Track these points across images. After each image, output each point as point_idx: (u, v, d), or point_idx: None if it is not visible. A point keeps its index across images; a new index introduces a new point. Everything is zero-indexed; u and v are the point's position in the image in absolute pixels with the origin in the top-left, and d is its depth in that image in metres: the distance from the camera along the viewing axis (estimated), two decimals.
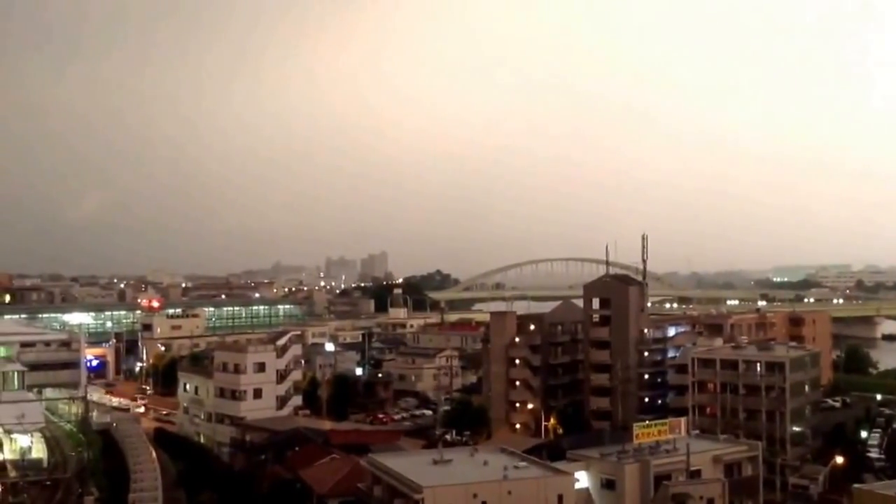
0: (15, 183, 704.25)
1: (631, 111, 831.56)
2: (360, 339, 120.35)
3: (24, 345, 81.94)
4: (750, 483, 48.87)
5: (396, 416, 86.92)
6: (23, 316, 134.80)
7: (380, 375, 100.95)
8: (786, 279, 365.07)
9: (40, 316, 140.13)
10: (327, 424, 69.36)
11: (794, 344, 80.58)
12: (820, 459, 62.27)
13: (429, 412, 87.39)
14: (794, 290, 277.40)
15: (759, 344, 73.90)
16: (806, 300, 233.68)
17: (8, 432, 54.59)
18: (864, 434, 68.52)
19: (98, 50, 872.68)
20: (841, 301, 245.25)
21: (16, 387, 67.49)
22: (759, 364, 66.12)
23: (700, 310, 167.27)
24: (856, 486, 43.88)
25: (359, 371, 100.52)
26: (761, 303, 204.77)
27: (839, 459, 58.97)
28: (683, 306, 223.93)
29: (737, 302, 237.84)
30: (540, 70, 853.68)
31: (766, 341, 77.89)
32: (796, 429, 63.90)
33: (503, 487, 39.26)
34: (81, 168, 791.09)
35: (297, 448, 56.63)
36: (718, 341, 76.26)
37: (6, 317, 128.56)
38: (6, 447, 53.13)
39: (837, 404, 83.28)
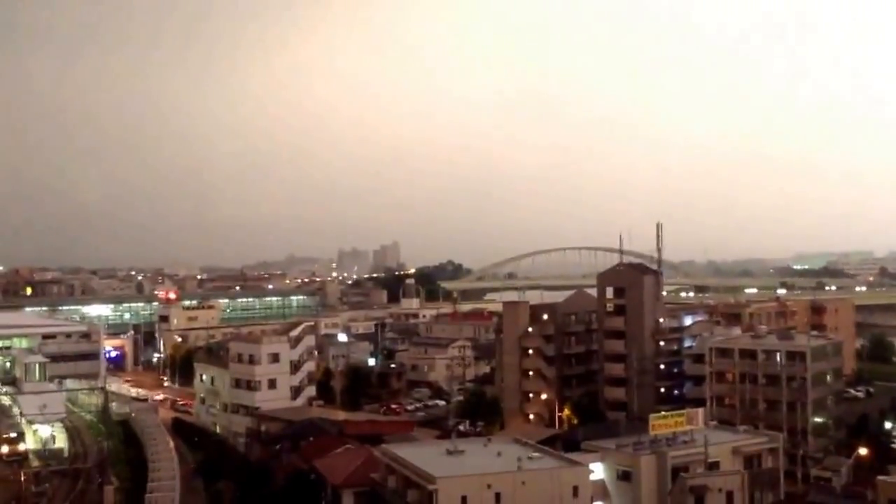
0: (36, 178, 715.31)
1: (643, 100, 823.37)
2: (373, 329, 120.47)
3: (46, 337, 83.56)
4: (770, 475, 48.12)
5: (410, 407, 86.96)
6: (44, 308, 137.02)
7: (393, 366, 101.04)
8: (806, 267, 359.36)
9: (61, 308, 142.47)
10: (341, 415, 69.55)
11: (815, 333, 79.10)
12: (843, 451, 61.16)
13: (442, 402, 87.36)
14: (815, 278, 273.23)
15: (780, 333, 72.67)
16: (827, 288, 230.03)
17: (30, 422, 55.57)
18: (888, 425, 67.18)
19: (109, 44, 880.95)
20: (864, 288, 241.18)
21: (38, 378, 68.86)
22: (779, 353, 64.99)
23: (717, 298, 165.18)
24: (880, 477, 43.07)
25: (372, 361, 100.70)
26: (781, 291, 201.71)
27: (863, 451, 57.93)
28: (700, 295, 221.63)
29: (756, 290, 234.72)
30: (548, 56, 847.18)
31: (786, 330, 76.61)
32: (818, 419, 62.83)
33: (517, 478, 39.00)
34: (99, 162, 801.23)
35: (311, 438, 56.81)
36: (737, 330, 75.15)
37: (28, 309, 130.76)
38: (29, 437, 54.04)
39: (861, 394, 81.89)
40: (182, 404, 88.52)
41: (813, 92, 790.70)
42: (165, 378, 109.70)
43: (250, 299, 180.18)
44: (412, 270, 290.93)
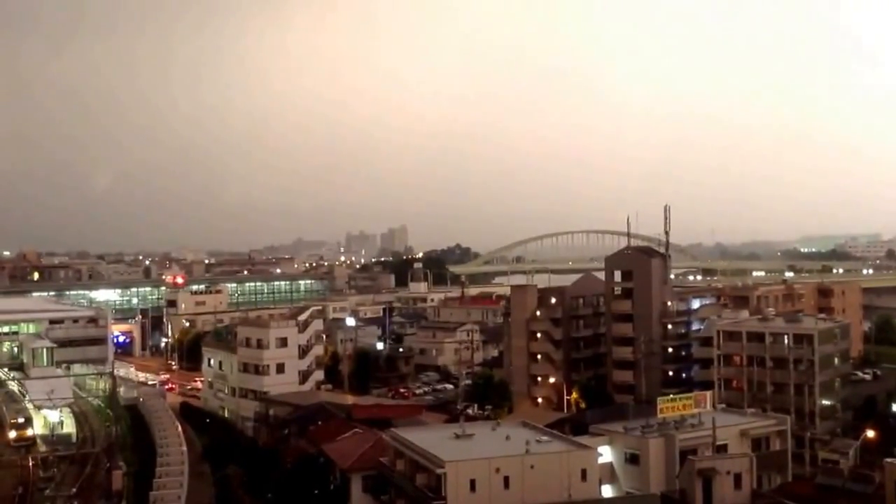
0: (43, 162, 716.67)
1: (648, 87, 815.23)
2: (381, 313, 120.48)
3: (53, 322, 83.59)
4: (778, 457, 48.01)
5: (418, 391, 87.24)
6: (51, 293, 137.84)
7: (401, 350, 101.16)
8: (814, 249, 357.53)
9: (68, 293, 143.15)
10: (349, 399, 69.76)
11: (822, 315, 78.89)
12: (850, 433, 61.08)
13: (450, 386, 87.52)
14: (823, 261, 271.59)
15: (787, 316, 72.35)
16: (835, 271, 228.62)
17: (38, 408, 55.77)
18: (895, 407, 66.91)
19: (125, 28, 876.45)
20: (871, 271, 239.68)
21: (45, 363, 69.00)
22: (786, 336, 64.76)
23: (725, 281, 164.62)
24: (888, 460, 42.76)
25: (380, 346, 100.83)
26: (788, 274, 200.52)
27: (870, 433, 57.71)
28: (708, 278, 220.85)
29: (763, 273, 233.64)
30: (554, 38, 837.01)
31: (793, 313, 76.23)
32: (826, 402, 62.66)
33: (525, 462, 38.94)
34: (107, 146, 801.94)
35: (320, 422, 56.96)
36: (744, 313, 74.73)
37: (35, 294, 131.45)
38: (37, 422, 54.25)
39: (868, 377, 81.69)
40: (189, 389, 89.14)
41: (818, 71, 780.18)
42: (173, 362, 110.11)
43: (258, 283, 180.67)
44: (420, 254, 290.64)
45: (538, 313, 78.41)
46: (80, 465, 45.82)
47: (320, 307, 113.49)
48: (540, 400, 76.33)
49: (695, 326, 74.74)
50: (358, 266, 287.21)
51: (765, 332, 66.11)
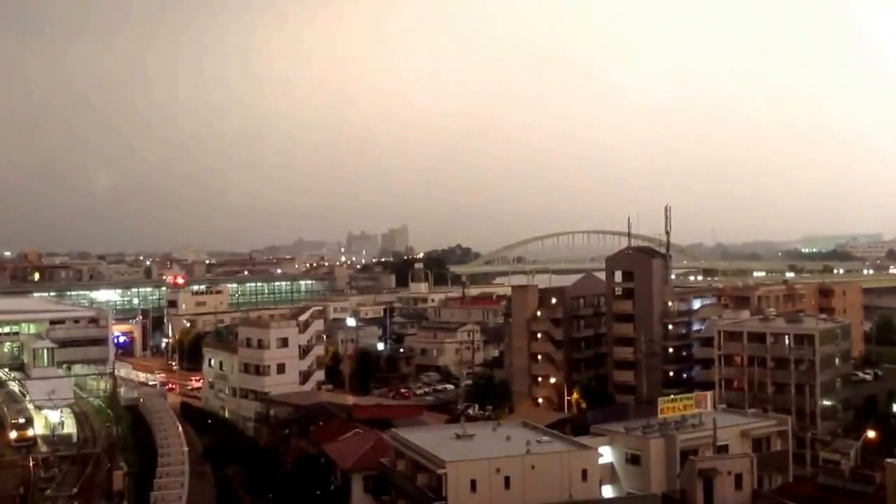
0: (44, 162, 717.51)
1: (651, 84, 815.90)
2: (382, 313, 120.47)
3: (54, 322, 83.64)
4: (779, 458, 47.97)
5: (419, 391, 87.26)
6: (52, 293, 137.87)
7: (401, 350, 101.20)
8: (815, 250, 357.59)
9: (69, 293, 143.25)
10: (350, 399, 69.71)
11: (823, 316, 78.90)
12: (851, 433, 61.07)
13: (451, 387, 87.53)
14: (824, 261, 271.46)
15: (788, 316, 72.36)
16: (835, 271, 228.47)
17: (39, 408, 55.82)
18: None
19: (128, 28, 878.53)
20: (872, 272, 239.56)
21: (46, 363, 69.07)
22: (787, 336, 64.78)
23: (726, 282, 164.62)
24: (889, 460, 42.71)
25: (380, 346, 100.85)
26: (789, 274, 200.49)
27: (871, 433, 57.72)
28: (709, 278, 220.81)
29: (764, 273, 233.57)
30: (553, 37, 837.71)
31: (794, 313, 76.20)
32: (827, 402, 62.66)
33: (526, 462, 38.92)
34: (108, 146, 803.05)
35: (320, 423, 56.96)
36: (745, 314, 74.75)
37: (36, 294, 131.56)
38: (37, 423, 54.29)
39: (869, 377, 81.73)
40: (190, 389, 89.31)
41: (821, 70, 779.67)
42: (174, 363, 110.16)
43: (259, 284, 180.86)
44: (421, 255, 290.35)
45: (539, 314, 78.42)
46: (80, 466, 45.85)
47: (321, 307, 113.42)
48: (541, 400, 76.33)
49: (696, 327, 74.77)
50: (359, 266, 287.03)
51: (766, 332, 66.13)
